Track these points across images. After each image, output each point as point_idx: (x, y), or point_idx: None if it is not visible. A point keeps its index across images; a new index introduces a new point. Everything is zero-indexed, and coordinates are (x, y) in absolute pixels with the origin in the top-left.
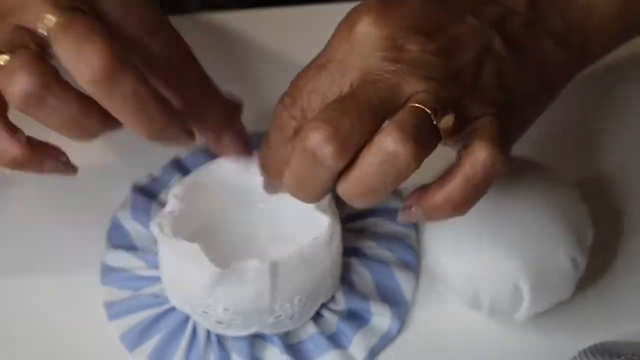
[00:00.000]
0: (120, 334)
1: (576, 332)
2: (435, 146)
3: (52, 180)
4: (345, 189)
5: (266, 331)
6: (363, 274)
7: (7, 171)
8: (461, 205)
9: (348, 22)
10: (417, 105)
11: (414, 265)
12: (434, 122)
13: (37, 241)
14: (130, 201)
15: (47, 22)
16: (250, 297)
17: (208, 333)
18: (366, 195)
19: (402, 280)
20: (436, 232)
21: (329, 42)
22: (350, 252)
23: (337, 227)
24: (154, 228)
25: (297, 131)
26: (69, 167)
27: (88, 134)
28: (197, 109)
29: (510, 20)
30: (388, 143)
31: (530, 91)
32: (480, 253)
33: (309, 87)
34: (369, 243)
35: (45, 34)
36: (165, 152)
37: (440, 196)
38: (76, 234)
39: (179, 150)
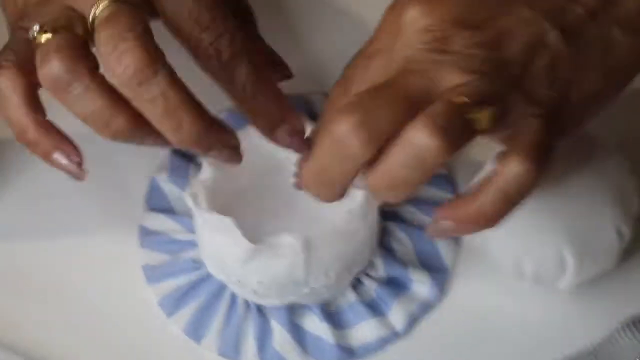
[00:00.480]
0: (159, 299)
1: (620, 301)
2: (468, 141)
3: (91, 144)
4: (372, 181)
5: (302, 301)
6: (403, 240)
7: None
8: (493, 219)
9: (395, 11)
10: (452, 98)
11: None
12: (469, 117)
13: (77, 204)
14: (169, 164)
15: (97, 10)
16: (284, 270)
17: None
18: (394, 188)
19: (443, 247)
20: None
21: (377, 30)
22: (389, 216)
23: (372, 200)
24: (187, 199)
25: None
26: (78, 170)
27: (112, 132)
28: (248, 106)
29: (569, 10)
30: (417, 136)
31: (592, 88)
32: (524, 221)
33: (359, 77)
34: (409, 208)
35: (91, 21)
36: None
37: (472, 209)
38: (115, 197)
39: (217, 110)
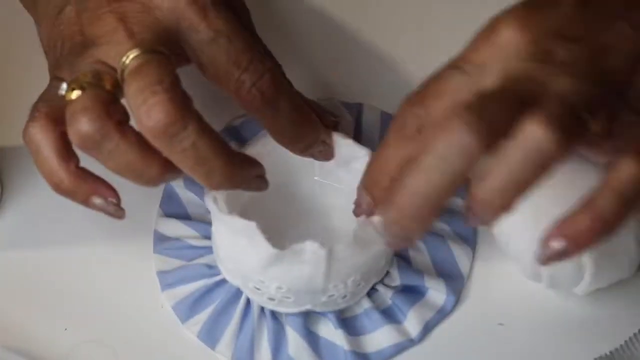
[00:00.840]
0: (173, 304)
1: (637, 309)
2: (582, 139)
3: None
4: (481, 191)
5: (318, 309)
6: (419, 247)
7: None
8: (613, 225)
9: (490, 28)
10: (564, 99)
11: (470, 239)
12: (583, 115)
13: (90, 210)
14: None
15: (127, 59)
16: (304, 277)
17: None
18: (507, 193)
19: (458, 254)
20: None
21: (467, 46)
22: None
23: None
24: (208, 202)
25: (419, 130)
26: (117, 210)
27: (147, 182)
28: (289, 135)
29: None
30: (534, 130)
31: None
32: (544, 225)
33: (440, 87)
34: None
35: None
36: (220, 119)
37: (587, 217)
38: (129, 202)
39: (233, 117)
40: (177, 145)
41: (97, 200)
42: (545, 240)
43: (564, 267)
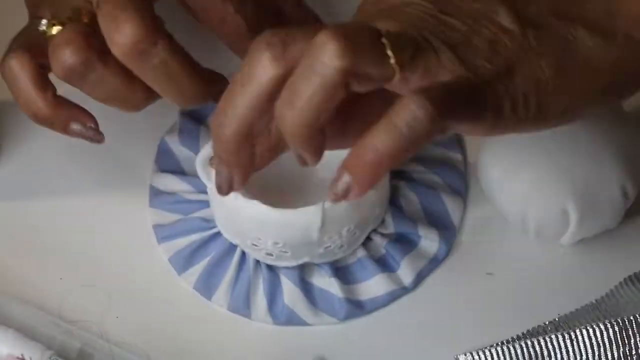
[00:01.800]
0: (169, 256)
1: (622, 259)
2: (377, 66)
3: (101, 106)
4: (280, 106)
5: (316, 260)
6: (411, 198)
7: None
8: (387, 159)
9: None
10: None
11: (462, 190)
12: (382, 41)
13: (87, 163)
14: (179, 125)
15: None
16: (300, 232)
17: None
18: (301, 114)
19: (450, 205)
20: (490, 152)
21: None
22: (397, 175)
23: None
24: (198, 167)
25: None
26: (96, 134)
27: (132, 107)
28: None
29: (533, 2)
30: (319, 39)
31: (543, 78)
32: (530, 175)
33: None
34: (417, 167)
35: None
36: None
37: (366, 150)
38: (125, 157)
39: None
40: (148, 63)
41: (75, 126)
42: (335, 177)
43: (550, 217)
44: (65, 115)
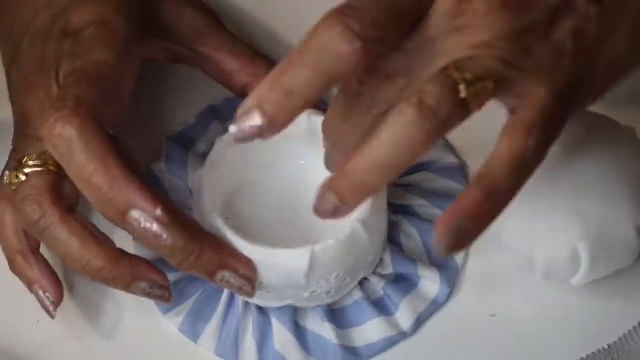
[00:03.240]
0: None
1: (636, 300)
2: (458, 122)
3: None
4: (351, 164)
5: (301, 305)
6: (412, 235)
7: None
8: (506, 195)
9: None
10: (448, 74)
11: None
12: (463, 96)
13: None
14: (165, 152)
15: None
16: (284, 275)
17: None
18: (375, 172)
19: None
20: None
21: None
22: (399, 209)
23: (380, 197)
24: (193, 180)
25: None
26: (49, 308)
27: (89, 272)
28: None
29: None
30: (404, 115)
31: (619, 52)
32: (538, 214)
33: None
34: (420, 201)
35: None
36: (200, 101)
37: (481, 191)
38: None
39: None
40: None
41: (37, 290)
42: (443, 223)
43: (560, 258)
44: (32, 275)
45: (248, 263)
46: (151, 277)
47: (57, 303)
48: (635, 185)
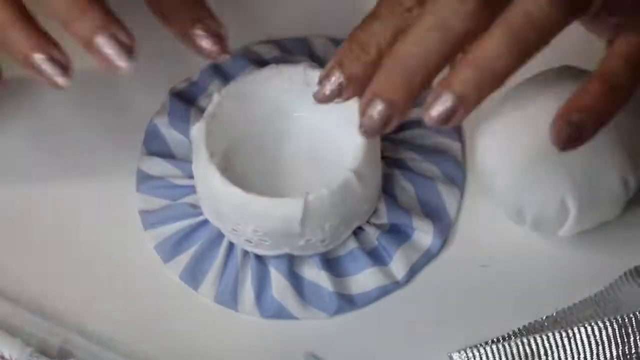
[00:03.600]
0: (155, 244)
1: (622, 252)
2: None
3: (87, 85)
4: (483, 48)
5: (296, 252)
6: (406, 188)
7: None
8: (623, 84)
9: None
10: None
11: (459, 180)
12: None
13: (72, 146)
14: (168, 107)
15: None
16: (279, 223)
17: None
18: (505, 57)
19: (446, 196)
20: (486, 141)
21: None
22: (393, 163)
23: (374, 148)
24: (193, 131)
25: (410, 10)
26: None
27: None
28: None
29: None
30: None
31: None
32: (528, 165)
33: None
34: (413, 155)
35: None
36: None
37: (597, 82)
38: (112, 140)
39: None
40: None
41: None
42: (560, 119)
43: (548, 209)
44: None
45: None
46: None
47: (66, 65)
48: (622, 137)
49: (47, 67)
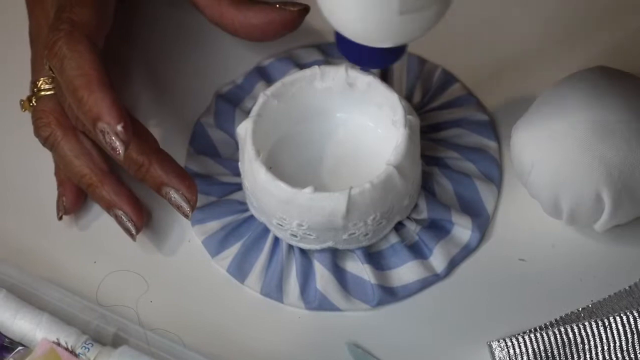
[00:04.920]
0: (203, 239)
1: None
2: None
3: (136, 85)
4: None
5: (340, 246)
6: (445, 186)
7: None
8: None
9: None
10: None
11: (496, 178)
12: None
13: None
14: (214, 108)
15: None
16: (324, 216)
17: None
18: None
19: (484, 192)
20: (523, 136)
21: None
22: (432, 161)
23: (414, 146)
24: (239, 130)
25: None
26: (130, 228)
27: (83, 185)
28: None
29: None
30: None
31: None
32: (565, 159)
33: None
34: (451, 153)
35: None
36: (248, 59)
37: None
38: (160, 139)
39: (263, 57)
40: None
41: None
42: None
43: (584, 203)
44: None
45: (190, 187)
46: (125, 209)
47: (138, 224)
48: None
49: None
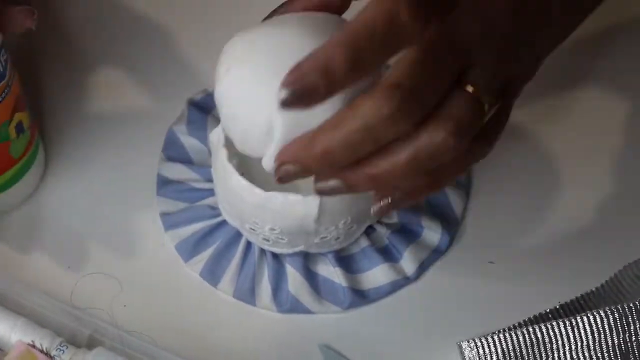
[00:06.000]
0: (176, 244)
1: (623, 246)
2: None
3: (108, 94)
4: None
5: (312, 250)
6: None
7: None
8: (401, 179)
9: None
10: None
11: (464, 183)
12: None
13: (95, 151)
14: (187, 115)
15: None
16: (296, 220)
17: None
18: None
19: (453, 197)
20: None
21: None
22: None
23: None
24: (211, 139)
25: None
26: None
27: None
28: None
29: None
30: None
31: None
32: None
33: None
34: None
35: None
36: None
37: (384, 165)
38: (133, 147)
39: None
40: None
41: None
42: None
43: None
44: None
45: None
46: None
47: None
48: None
49: None
